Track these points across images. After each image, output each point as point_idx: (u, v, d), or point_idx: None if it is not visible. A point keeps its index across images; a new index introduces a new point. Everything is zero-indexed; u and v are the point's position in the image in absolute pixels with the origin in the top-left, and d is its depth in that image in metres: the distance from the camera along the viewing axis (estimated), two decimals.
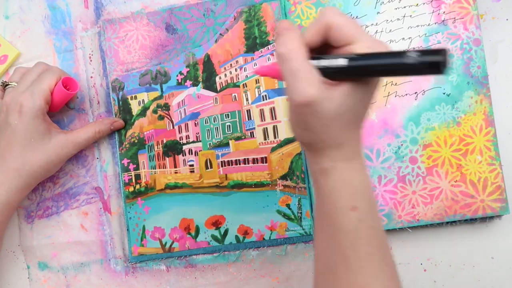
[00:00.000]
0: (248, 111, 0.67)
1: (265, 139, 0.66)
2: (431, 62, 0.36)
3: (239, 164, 0.67)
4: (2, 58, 0.71)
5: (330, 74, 0.41)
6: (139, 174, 0.69)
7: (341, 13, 0.42)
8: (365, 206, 0.44)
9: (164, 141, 0.68)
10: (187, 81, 0.68)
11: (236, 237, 0.66)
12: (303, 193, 0.65)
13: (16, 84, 0.65)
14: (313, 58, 0.41)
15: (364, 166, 0.45)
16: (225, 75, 0.67)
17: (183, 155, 0.68)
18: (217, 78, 0.68)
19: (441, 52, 0.36)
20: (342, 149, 0.43)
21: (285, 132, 0.65)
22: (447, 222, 0.63)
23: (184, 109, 0.68)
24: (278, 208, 0.66)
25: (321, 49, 0.43)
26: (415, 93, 0.64)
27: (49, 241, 0.71)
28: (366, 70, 0.39)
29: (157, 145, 0.69)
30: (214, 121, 0.68)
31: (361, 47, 0.40)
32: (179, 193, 0.68)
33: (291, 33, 0.42)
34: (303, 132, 0.44)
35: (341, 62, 0.40)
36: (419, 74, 0.38)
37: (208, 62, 0.68)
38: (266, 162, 0.66)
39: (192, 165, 0.68)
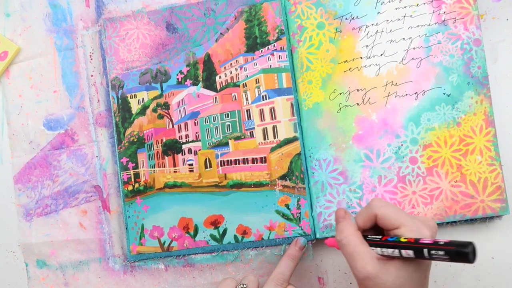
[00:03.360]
0: (248, 111, 0.67)
1: (264, 139, 0.66)
2: (459, 253, 0.43)
3: (239, 163, 0.67)
4: (2, 55, 0.72)
5: (382, 251, 0.49)
6: (138, 173, 0.69)
7: (386, 203, 0.51)
8: None
9: (164, 140, 0.68)
10: (187, 80, 0.68)
11: (235, 236, 0.66)
12: (302, 193, 0.65)
13: None
14: (367, 237, 0.51)
15: None
16: (225, 74, 0.67)
17: (182, 154, 0.68)
18: (217, 78, 0.68)
19: (469, 244, 0.43)
20: None
21: (284, 132, 0.65)
22: (447, 222, 0.63)
23: (184, 108, 0.68)
24: (277, 208, 0.65)
25: (374, 228, 0.52)
26: (415, 93, 0.64)
27: (48, 239, 0.71)
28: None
29: (156, 144, 0.68)
30: (213, 121, 0.68)
31: (405, 232, 0.48)
32: (178, 192, 0.68)
33: (345, 221, 0.53)
34: None
35: (392, 252, 0.48)
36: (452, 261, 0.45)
37: (208, 61, 0.68)
38: (265, 162, 0.66)
39: (191, 164, 0.68)
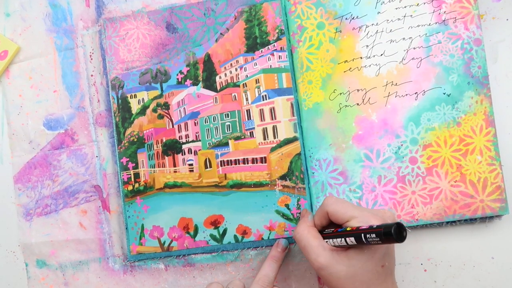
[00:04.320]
0: (248, 111, 0.67)
1: (264, 139, 0.66)
2: (386, 233, 0.46)
3: (239, 163, 0.67)
4: (2, 54, 0.72)
5: (334, 242, 0.53)
6: (138, 173, 0.69)
7: (336, 200, 0.55)
8: None
9: (164, 140, 0.68)
10: (187, 80, 0.68)
11: (235, 236, 0.66)
12: (302, 193, 0.65)
13: None
14: (323, 232, 0.56)
15: None
16: (225, 74, 0.67)
17: (182, 154, 0.68)
18: (217, 78, 0.68)
19: (394, 225, 0.46)
20: None
21: (284, 132, 0.65)
22: (447, 222, 0.63)
23: (184, 108, 0.68)
24: (277, 208, 0.65)
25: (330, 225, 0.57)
26: (415, 93, 0.64)
27: (48, 239, 0.71)
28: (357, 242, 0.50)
29: (156, 144, 0.68)
30: (213, 121, 0.68)
31: (354, 223, 0.52)
32: (178, 192, 0.68)
33: (302, 219, 0.59)
34: (330, 287, 0.54)
35: (340, 242, 0.52)
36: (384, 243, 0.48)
37: (208, 61, 0.68)
38: (265, 162, 0.66)
39: (191, 165, 0.68)
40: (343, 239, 0.51)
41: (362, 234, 0.49)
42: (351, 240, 0.50)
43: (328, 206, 0.55)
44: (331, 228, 0.55)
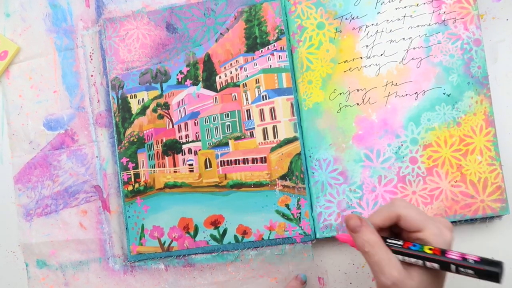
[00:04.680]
0: (248, 111, 0.67)
1: (264, 139, 0.66)
2: (487, 272, 0.43)
3: (239, 163, 0.67)
4: (2, 54, 0.72)
5: (404, 257, 0.47)
6: (138, 173, 0.69)
7: (408, 204, 0.49)
8: None
9: (164, 140, 0.68)
10: (187, 80, 0.68)
11: (235, 236, 0.66)
12: (302, 193, 0.65)
13: None
14: (387, 241, 0.49)
15: None
16: (225, 74, 0.67)
17: (182, 154, 0.68)
18: (217, 78, 0.68)
19: (498, 264, 0.43)
20: None
21: (284, 132, 0.65)
22: None
23: (184, 108, 0.68)
24: (277, 208, 0.65)
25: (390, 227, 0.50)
26: (415, 93, 0.64)
27: (48, 239, 0.71)
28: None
29: (156, 144, 0.69)
30: (213, 121, 0.68)
31: (428, 235, 0.47)
32: (178, 192, 0.68)
33: (366, 229, 0.49)
34: None
35: (415, 262, 0.47)
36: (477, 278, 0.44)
37: (208, 61, 0.68)
38: (265, 162, 0.66)
39: (191, 165, 0.68)
40: (420, 261, 0.46)
41: (454, 266, 0.45)
42: (432, 265, 0.46)
43: (401, 209, 0.49)
44: (383, 232, 0.50)
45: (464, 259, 0.45)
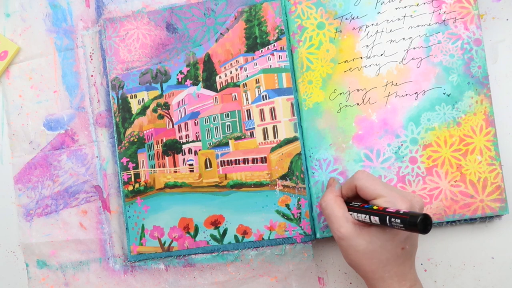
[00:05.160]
0: (248, 111, 0.67)
1: (264, 139, 0.66)
2: (411, 222, 0.46)
3: (239, 163, 0.67)
4: (2, 54, 0.72)
5: (358, 217, 0.53)
6: (139, 173, 0.69)
7: (368, 175, 0.55)
8: None
9: (164, 140, 0.68)
10: (187, 80, 0.68)
11: (235, 236, 0.66)
12: (302, 193, 0.65)
13: None
14: (350, 204, 0.56)
15: None
16: (225, 74, 0.67)
17: (182, 155, 0.68)
18: (217, 78, 0.68)
19: (421, 216, 0.46)
20: (385, 282, 0.53)
21: (284, 132, 0.65)
22: (447, 222, 0.63)
23: (184, 108, 0.68)
24: (277, 208, 0.65)
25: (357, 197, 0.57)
26: (415, 93, 0.64)
27: (48, 239, 0.71)
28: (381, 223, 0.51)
29: (156, 144, 0.69)
30: (214, 121, 0.68)
31: (381, 202, 0.52)
32: (179, 193, 0.68)
33: (329, 188, 0.60)
34: (348, 260, 0.55)
35: (364, 218, 0.52)
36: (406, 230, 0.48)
37: (208, 61, 0.68)
38: (265, 162, 0.66)
39: (191, 165, 0.68)
40: (367, 216, 0.52)
41: (387, 217, 0.49)
42: (375, 219, 0.51)
43: (358, 180, 0.55)
44: (357, 201, 0.56)
45: (397, 211, 0.49)
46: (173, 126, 0.68)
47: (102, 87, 0.71)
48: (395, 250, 0.52)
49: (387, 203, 0.52)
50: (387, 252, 0.52)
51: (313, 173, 0.65)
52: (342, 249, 0.55)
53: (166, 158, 0.68)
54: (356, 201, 0.56)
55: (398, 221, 0.48)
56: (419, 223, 0.45)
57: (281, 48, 0.66)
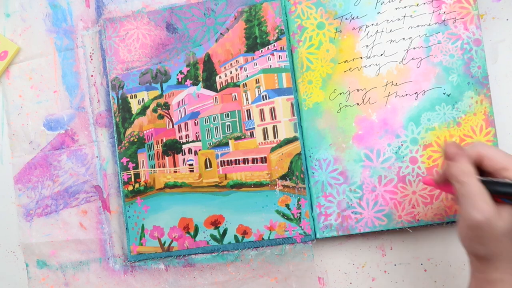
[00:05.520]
0: (248, 111, 0.67)
1: (264, 139, 0.66)
2: None
3: (239, 163, 0.67)
4: (2, 54, 0.72)
5: (497, 196, 0.46)
6: (139, 173, 0.69)
7: (490, 146, 0.49)
8: None
9: (164, 140, 0.68)
10: (187, 80, 0.68)
11: (235, 236, 0.66)
12: (302, 193, 0.65)
13: None
14: (480, 179, 0.47)
15: None
16: (225, 74, 0.67)
17: (182, 155, 0.68)
18: (217, 78, 0.68)
19: None
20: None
21: (284, 132, 0.65)
22: (447, 222, 0.63)
23: (184, 108, 0.68)
24: (277, 208, 0.65)
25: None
26: (416, 93, 0.64)
27: (48, 239, 0.71)
28: None
29: (156, 144, 0.69)
30: (214, 121, 0.68)
31: (510, 174, 0.46)
32: (179, 193, 0.68)
33: (463, 158, 0.48)
34: (475, 245, 0.47)
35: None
36: None
37: (208, 61, 0.68)
38: (265, 162, 0.66)
39: (191, 165, 0.68)
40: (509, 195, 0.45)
41: None
42: None
43: (484, 149, 0.48)
44: None
45: None
46: (173, 126, 0.68)
47: (102, 87, 0.71)
48: None
49: None
50: None
51: (313, 173, 0.65)
52: (477, 233, 0.46)
53: (166, 158, 0.68)
54: None
55: None
56: None
57: (281, 48, 0.66)
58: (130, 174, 0.69)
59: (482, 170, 0.48)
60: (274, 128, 0.66)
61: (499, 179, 0.46)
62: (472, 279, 0.50)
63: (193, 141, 0.68)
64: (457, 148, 0.49)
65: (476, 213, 0.45)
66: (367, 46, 0.65)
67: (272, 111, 0.66)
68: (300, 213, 0.65)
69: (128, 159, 0.69)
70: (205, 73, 0.68)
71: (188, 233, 0.67)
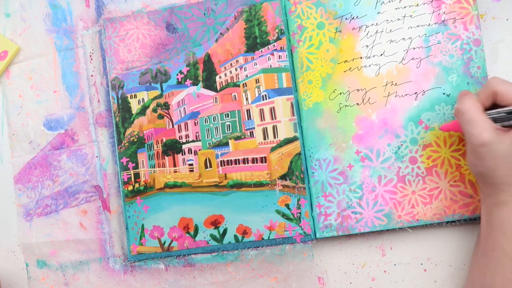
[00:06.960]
0: (248, 111, 0.67)
1: (264, 138, 0.66)
2: None
3: (239, 163, 0.67)
4: (2, 54, 0.72)
5: (501, 122, 0.53)
6: (138, 173, 0.69)
7: (504, 80, 0.53)
8: None
9: (164, 140, 0.68)
10: (187, 80, 0.68)
11: (235, 236, 0.66)
12: (302, 193, 0.65)
13: None
14: (486, 113, 0.53)
15: None
16: (225, 74, 0.67)
17: (182, 154, 0.68)
18: (217, 78, 0.68)
19: None
20: None
21: (284, 132, 0.65)
22: (447, 222, 0.63)
23: (184, 108, 0.68)
24: (277, 208, 0.65)
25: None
26: (415, 93, 0.64)
27: (48, 239, 0.71)
28: None
29: (156, 144, 0.69)
30: (213, 121, 0.68)
31: None
32: (178, 192, 0.68)
33: (468, 95, 0.55)
34: (480, 168, 0.53)
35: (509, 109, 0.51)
36: None
37: (208, 61, 0.68)
38: (265, 162, 0.66)
39: (191, 164, 0.68)
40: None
41: None
42: None
43: (497, 85, 0.53)
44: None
45: None
46: (173, 126, 0.68)
47: (102, 87, 0.71)
48: None
49: None
50: None
51: (313, 173, 0.65)
52: (479, 156, 0.52)
53: (166, 158, 0.68)
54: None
55: None
56: None
57: (281, 48, 0.66)
58: (130, 174, 0.69)
59: (497, 105, 0.54)
60: (274, 128, 0.66)
61: (504, 109, 0.53)
62: (482, 207, 0.56)
63: (193, 141, 0.68)
64: (466, 91, 0.56)
65: (474, 138, 0.52)
66: (367, 46, 0.65)
67: (272, 111, 0.66)
68: (300, 213, 0.65)
69: (128, 159, 0.69)
70: (205, 73, 0.68)
71: (188, 233, 0.67)
